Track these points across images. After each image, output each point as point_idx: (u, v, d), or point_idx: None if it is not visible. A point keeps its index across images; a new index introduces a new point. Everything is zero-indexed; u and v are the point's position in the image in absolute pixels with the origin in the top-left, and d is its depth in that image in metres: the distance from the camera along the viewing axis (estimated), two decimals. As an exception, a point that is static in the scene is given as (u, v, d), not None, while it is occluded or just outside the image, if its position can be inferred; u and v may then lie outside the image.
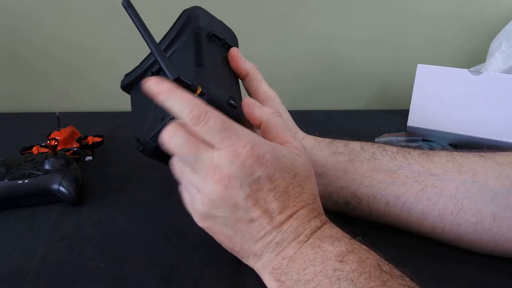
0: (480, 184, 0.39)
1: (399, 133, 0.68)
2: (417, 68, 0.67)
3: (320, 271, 0.30)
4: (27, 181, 0.45)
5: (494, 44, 0.74)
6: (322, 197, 0.43)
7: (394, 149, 0.43)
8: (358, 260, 0.30)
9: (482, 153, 0.41)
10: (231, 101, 0.37)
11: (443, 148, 0.64)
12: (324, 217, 0.35)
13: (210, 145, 0.33)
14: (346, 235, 0.33)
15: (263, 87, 0.44)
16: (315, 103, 0.82)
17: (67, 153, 0.51)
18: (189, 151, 0.33)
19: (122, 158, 0.59)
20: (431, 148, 0.58)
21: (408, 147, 0.45)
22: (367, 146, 0.44)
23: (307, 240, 0.33)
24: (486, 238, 0.39)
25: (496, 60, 0.71)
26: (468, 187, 0.39)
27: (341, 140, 0.45)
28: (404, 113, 0.69)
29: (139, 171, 0.54)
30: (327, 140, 0.45)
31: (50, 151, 0.48)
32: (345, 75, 0.84)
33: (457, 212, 0.39)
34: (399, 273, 0.30)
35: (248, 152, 0.32)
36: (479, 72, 0.62)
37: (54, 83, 0.76)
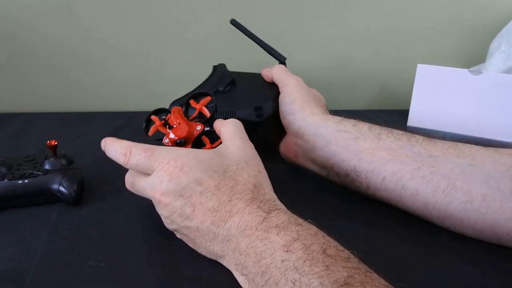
0: (476, 167, 0.40)
1: (399, 133, 0.68)
2: (417, 68, 0.67)
3: (270, 263, 0.31)
4: (27, 181, 0.45)
5: (494, 44, 0.74)
6: (324, 168, 0.47)
7: (400, 132, 0.45)
8: (303, 248, 0.30)
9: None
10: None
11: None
12: (269, 204, 0.35)
13: (147, 174, 0.39)
14: (294, 219, 0.33)
15: (285, 78, 0.54)
16: (315, 103, 0.82)
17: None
18: (129, 187, 0.42)
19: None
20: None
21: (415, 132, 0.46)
22: (375, 127, 0.46)
23: (253, 233, 0.33)
24: (474, 217, 0.39)
25: (496, 60, 0.71)
26: (464, 169, 0.40)
27: (351, 120, 0.47)
28: (404, 113, 0.69)
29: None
30: (338, 118, 0.48)
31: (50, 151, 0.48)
32: (345, 75, 0.84)
33: (448, 190, 0.40)
34: (345, 255, 0.30)
35: (171, 166, 0.36)
36: (479, 72, 0.62)
37: (54, 83, 0.76)
